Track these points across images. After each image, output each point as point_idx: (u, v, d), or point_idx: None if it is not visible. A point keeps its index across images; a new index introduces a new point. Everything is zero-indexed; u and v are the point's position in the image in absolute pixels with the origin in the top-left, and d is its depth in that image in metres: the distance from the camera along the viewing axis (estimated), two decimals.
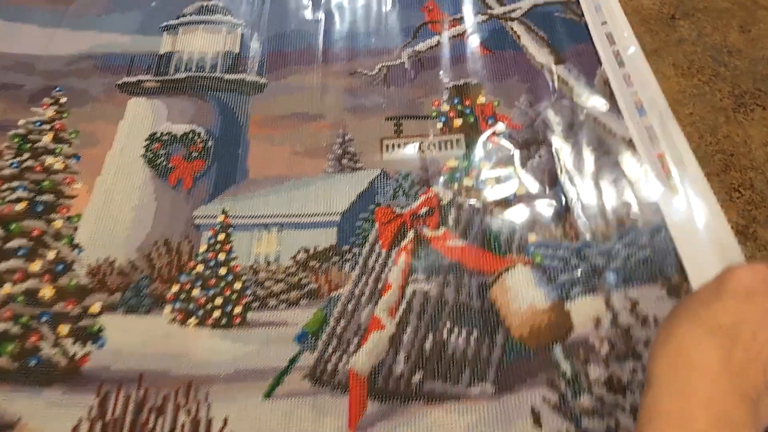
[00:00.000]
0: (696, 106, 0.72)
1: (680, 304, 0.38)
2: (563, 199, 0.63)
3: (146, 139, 0.70)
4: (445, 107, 0.72)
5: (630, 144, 0.66)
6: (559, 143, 0.67)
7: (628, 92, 0.68)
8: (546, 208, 0.63)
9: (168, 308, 0.60)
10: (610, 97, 0.69)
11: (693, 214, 0.59)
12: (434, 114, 0.72)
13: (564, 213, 0.62)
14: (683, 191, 0.61)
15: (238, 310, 0.60)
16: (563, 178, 0.65)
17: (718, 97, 0.73)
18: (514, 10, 0.80)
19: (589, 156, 0.66)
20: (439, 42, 0.78)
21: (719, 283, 0.36)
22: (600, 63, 0.72)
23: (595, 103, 0.69)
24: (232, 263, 0.63)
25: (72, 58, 0.75)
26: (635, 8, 0.81)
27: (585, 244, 0.60)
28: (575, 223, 0.62)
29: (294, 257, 0.63)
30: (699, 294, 0.37)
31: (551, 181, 0.65)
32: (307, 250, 0.63)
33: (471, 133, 0.70)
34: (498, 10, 0.80)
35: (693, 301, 0.37)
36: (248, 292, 0.61)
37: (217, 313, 0.60)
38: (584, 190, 0.64)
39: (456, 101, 0.72)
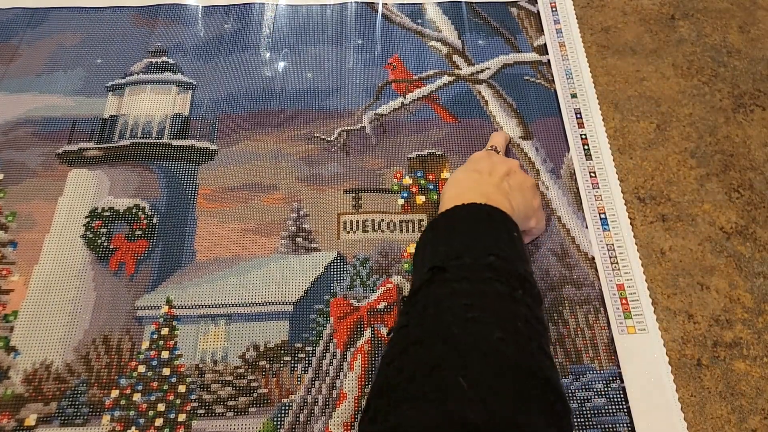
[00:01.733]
0: (695, 107, 0.72)
1: (456, 171, 0.59)
2: None
3: (86, 216, 0.65)
4: (408, 180, 0.68)
5: (592, 263, 0.62)
6: None
7: (593, 194, 0.65)
8: None
9: (106, 417, 0.56)
10: (576, 195, 0.66)
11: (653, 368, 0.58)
12: (396, 188, 0.68)
13: None
14: (645, 336, 0.59)
15: (182, 417, 0.57)
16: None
17: (718, 97, 0.73)
18: (482, 71, 0.75)
19: (552, 266, 0.63)
20: (402, 104, 0.73)
21: (470, 159, 0.60)
22: (568, 149, 0.68)
23: (560, 201, 0.66)
24: (176, 362, 0.59)
25: (8, 126, 0.70)
26: (635, 8, 0.81)
27: None
28: None
29: (242, 355, 0.59)
30: (464, 165, 0.59)
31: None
32: (257, 347, 0.59)
33: (434, 214, 0.66)
34: (466, 70, 0.76)
35: (459, 168, 0.59)
36: (193, 396, 0.57)
37: (159, 421, 0.56)
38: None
39: (419, 174, 0.68)
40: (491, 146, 0.64)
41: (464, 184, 0.54)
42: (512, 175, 0.56)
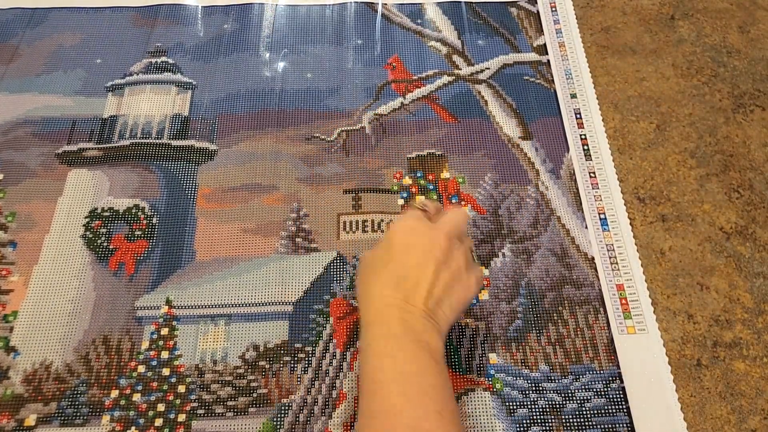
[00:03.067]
0: (695, 107, 0.72)
1: (369, 258, 0.49)
2: (522, 319, 0.60)
3: (86, 217, 0.65)
4: (408, 181, 0.68)
5: (592, 263, 0.62)
6: (520, 244, 0.63)
7: (592, 195, 0.65)
8: (505, 325, 0.59)
9: (106, 417, 0.56)
10: (576, 196, 0.66)
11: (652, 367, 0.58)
12: (395, 188, 0.68)
13: (525, 335, 0.59)
14: (645, 336, 0.59)
15: (182, 417, 0.57)
16: (525, 291, 0.61)
17: (718, 97, 0.73)
18: (482, 71, 0.75)
19: (552, 266, 0.63)
20: (402, 105, 0.73)
21: (387, 238, 0.48)
22: (568, 149, 0.68)
23: (560, 201, 0.66)
24: (176, 362, 0.59)
25: (8, 126, 0.70)
26: (635, 8, 0.81)
27: (545, 376, 0.57)
28: (534, 346, 0.58)
29: (242, 356, 0.59)
30: (380, 250, 0.48)
31: (512, 292, 0.61)
32: (256, 347, 0.59)
33: None
34: (465, 70, 0.76)
35: (378, 258, 0.48)
36: (193, 396, 0.57)
37: (159, 422, 0.56)
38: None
39: (419, 174, 0.68)
40: (421, 205, 0.53)
41: (384, 314, 0.45)
42: (441, 273, 0.46)
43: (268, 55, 0.78)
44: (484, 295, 0.62)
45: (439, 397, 0.41)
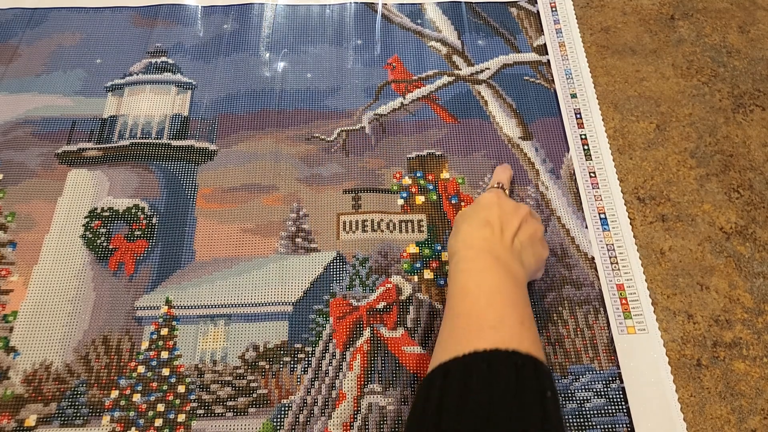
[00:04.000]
0: (695, 107, 0.72)
1: (461, 214, 0.55)
2: None
3: (86, 217, 0.65)
4: (407, 181, 0.68)
5: (592, 263, 0.62)
6: None
7: (592, 194, 0.65)
8: None
9: (106, 418, 0.56)
10: (576, 196, 0.66)
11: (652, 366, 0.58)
12: (395, 188, 0.67)
13: None
14: (645, 336, 0.59)
15: (181, 418, 0.56)
16: None
17: (718, 97, 0.73)
18: (482, 71, 0.75)
19: (552, 266, 0.63)
20: (401, 105, 0.73)
21: (480, 203, 0.55)
22: (568, 149, 0.68)
23: (560, 201, 0.66)
24: (176, 362, 0.59)
25: (8, 126, 0.70)
26: (635, 8, 0.81)
27: None
28: None
29: (242, 356, 0.59)
30: (470, 207, 0.56)
31: None
32: (256, 347, 0.59)
33: (433, 214, 0.66)
34: (465, 70, 0.76)
35: (469, 209, 0.55)
36: (192, 396, 0.57)
37: (159, 422, 0.56)
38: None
39: (419, 175, 0.68)
40: (498, 184, 0.61)
41: (475, 243, 0.50)
42: (523, 227, 0.53)
43: (267, 55, 0.78)
44: None
45: (520, 310, 0.46)
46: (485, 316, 0.44)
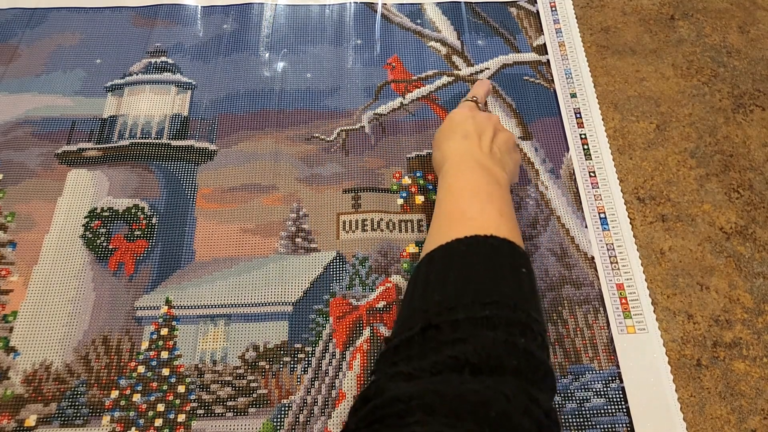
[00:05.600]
0: (695, 107, 0.72)
1: (438, 132, 0.59)
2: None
3: (86, 217, 0.65)
4: (407, 180, 0.68)
5: (592, 263, 0.62)
6: None
7: (592, 194, 0.65)
8: None
9: (106, 418, 0.56)
10: (575, 195, 0.66)
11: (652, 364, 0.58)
12: (395, 188, 0.67)
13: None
14: (645, 336, 0.59)
15: (181, 418, 0.56)
16: None
17: (717, 97, 0.73)
18: (482, 71, 0.75)
19: (551, 266, 0.63)
20: (401, 104, 0.73)
21: (454, 118, 0.58)
22: (568, 149, 0.68)
23: (560, 201, 0.66)
24: (176, 362, 0.59)
25: (7, 126, 0.70)
26: (635, 8, 0.81)
27: None
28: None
29: (242, 356, 0.59)
30: (445, 125, 0.59)
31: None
32: (256, 348, 0.59)
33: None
34: (465, 70, 0.76)
35: (446, 127, 0.58)
36: (192, 396, 0.57)
37: (159, 422, 0.56)
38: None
39: (418, 174, 0.68)
40: (473, 97, 0.63)
41: (457, 154, 0.54)
42: (498, 134, 0.57)
43: (267, 55, 0.78)
44: None
45: (499, 203, 0.49)
46: (467, 209, 0.49)
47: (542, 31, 0.79)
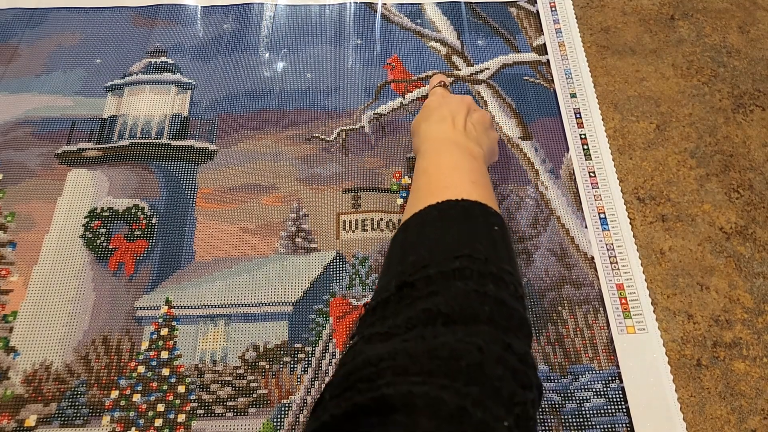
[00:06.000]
0: (695, 107, 0.72)
1: (415, 122, 0.61)
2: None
3: (85, 217, 0.65)
4: (407, 180, 0.68)
5: (592, 263, 0.62)
6: (520, 244, 0.63)
7: (592, 194, 0.65)
8: None
9: (106, 418, 0.56)
10: (575, 195, 0.66)
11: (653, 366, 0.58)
12: (395, 187, 0.67)
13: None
14: (644, 336, 0.59)
15: (181, 418, 0.57)
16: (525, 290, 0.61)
17: (717, 97, 0.73)
18: (482, 71, 0.75)
19: (551, 266, 0.63)
20: (401, 104, 0.73)
21: (427, 106, 0.61)
22: (568, 149, 0.68)
23: (559, 201, 0.66)
24: (176, 362, 0.59)
25: (7, 126, 0.70)
26: (635, 8, 0.81)
27: (544, 376, 0.57)
28: (534, 346, 0.58)
29: (242, 356, 0.59)
30: (421, 112, 0.61)
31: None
32: (256, 348, 0.59)
33: None
34: (465, 70, 0.76)
35: (421, 114, 0.61)
36: (192, 396, 0.57)
37: (159, 422, 0.56)
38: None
39: None
40: (440, 82, 0.65)
41: (432, 137, 0.56)
42: (471, 113, 0.58)
43: (267, 55, 0.78)
44: None
45: (473, 175, 0.50)
46: (440, 181, 0.50)
47: (542, 31, 0.79)
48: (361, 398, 0.32)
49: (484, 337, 0.36)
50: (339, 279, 0.63)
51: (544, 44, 0.78)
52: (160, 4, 0.82)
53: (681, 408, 0.55)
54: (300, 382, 0.57)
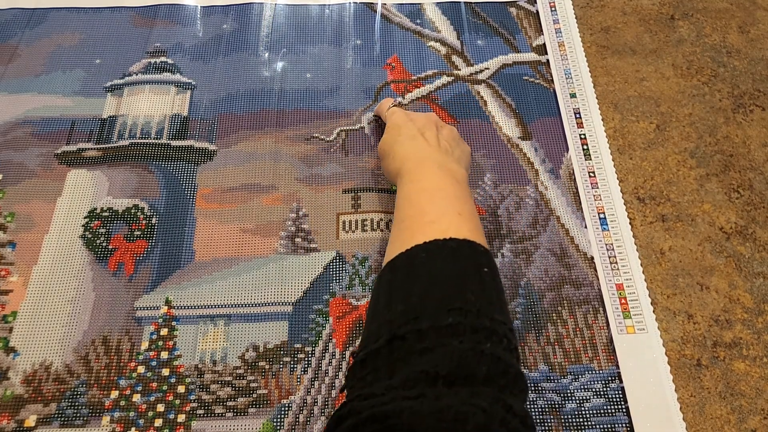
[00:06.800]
0: (695, 107, 0.72)
1: (382, 143, 0.61)
2: (521, 319, 0.60)
3: (85, 217, 0.65)
4: None
5: (591, 263, 0.62)
6: (519, 245, 0.63)
7: (591, 194, 0.65)
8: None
9: (106, 418, 0.56)
10: (575, 195, 0.66)
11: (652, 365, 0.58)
12: (394, 188, 0.67)
13: (524, 335, 0.59)
14: (644, 336, 0.59)
15: (181, 418, 0.56)
16: (524, 291, 0.61)
17: (717, 97, 0.73)
18: (481, 71, 0.75)
19: (551, 266, 0.63)
20: (401, 105, 0.73)
21: (393, 125, 0.61)
22: (567, 149, 0.68)
23: (559, 201, 0.66)
24: (176, 362, 0.59)
25: (7, 126, 0.70)
26: (635, 8, 0.80)
27: (544, 376, 0.57)
28: (533, 346, 0.58)
29: (242, 356, 0.59)
30: (387, 133, 0.61)
31: (512, 293, 0.61)
32: (256, 348, 0.59)
33: None
34: (465, 70, 0.76)
35: (388, 135, 0.60)
36: (192, 397, 0.57)
37: (159, 422, 0.56)
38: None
39: None
40: (395, 102, 0.67)
41: (410, 157, 0.55)
42: (440, 129, 0.58)
43: (267, 55, 0.78)
44: None
45: (459, 203, 0.49)
46: (426, 213, 0.48)
47: (542, 31, 0.79)
48: None
49: (486, 399, 0.36)
50: (339, 279, 0.63)
51: (544, 44, 0.78)
52: (159, 4, 0.82)
53: (681, 408, 0.55)
54: (300, 382, 0.57)
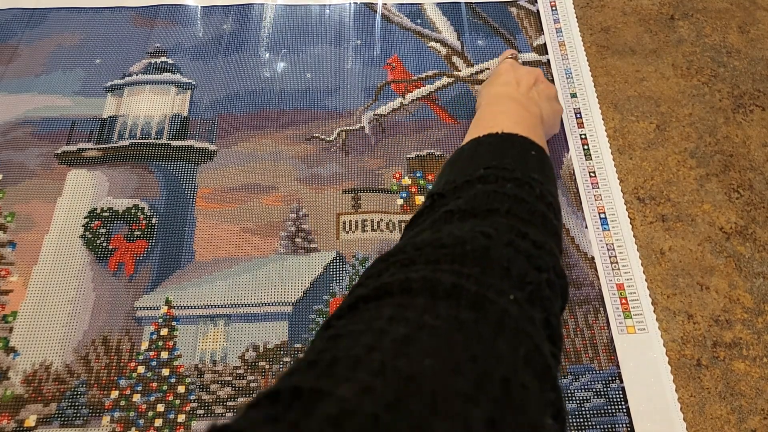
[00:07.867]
0: (695, 107, 0.72)
1: (482, 86, 0.64)
2: None
3: (85, 217, 0.65)
4: (407, 181, 0.68)
5: (592, 263, 0.62)
6: None
7: (592, 194, 0.65)
8: None
9: (106, 418, 0.56)
10: (576, 195, 0.65)
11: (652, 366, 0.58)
12: (395, 188, 0.67)
13: None
14: (645, 336, 0.59)
15: (181, 418, 0.56)
16: None
17: (717, 97, 0.73)
18: (482, 71, 0.75)
19: None
20: (401, 105, 0.73)
21: (496, 72, 0.63)
22: (568, 149, 0.68)
23: (560, 200, 0.65)
24: (176, 363, 0.59)
25: (7, 126, 0.70)
26: (634, 8, 0.80)
27: None
28: None
29: (242, 356, 0.59)
30: (490, 77, 0.64)
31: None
32: (256, 348, 0.59)
33: None
34: (465, 71, 0.76)
35: (489, 79, 0.64)
36: (192, 397, 0.57)
37: (159, 422, 0.56)
38: None
39: (418, 175, 0.68)
40: (512, 54, 0.69)
41: (495, 93, 0.59)
42: (538, 84, 0.60)
43: (267, 55, 0.78)
44: None
45: (521, 119, 0.53)
46: (488, 123, 0.52)
47: (542, 30, 0.79)
48: (363, 290, 0.33)
49: (495, 226, 0.36)
50: (339, 279, 0.63)
51: (545, 44, 0.78)
52: (160, 5, 0.82)
53: (681, 408, 0.55)
54: None
